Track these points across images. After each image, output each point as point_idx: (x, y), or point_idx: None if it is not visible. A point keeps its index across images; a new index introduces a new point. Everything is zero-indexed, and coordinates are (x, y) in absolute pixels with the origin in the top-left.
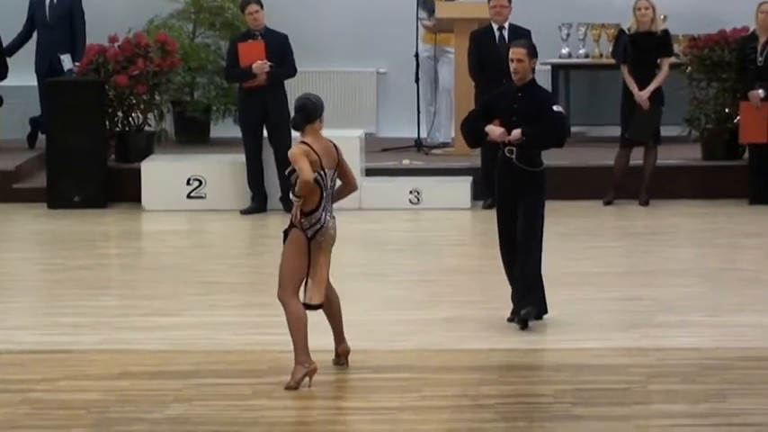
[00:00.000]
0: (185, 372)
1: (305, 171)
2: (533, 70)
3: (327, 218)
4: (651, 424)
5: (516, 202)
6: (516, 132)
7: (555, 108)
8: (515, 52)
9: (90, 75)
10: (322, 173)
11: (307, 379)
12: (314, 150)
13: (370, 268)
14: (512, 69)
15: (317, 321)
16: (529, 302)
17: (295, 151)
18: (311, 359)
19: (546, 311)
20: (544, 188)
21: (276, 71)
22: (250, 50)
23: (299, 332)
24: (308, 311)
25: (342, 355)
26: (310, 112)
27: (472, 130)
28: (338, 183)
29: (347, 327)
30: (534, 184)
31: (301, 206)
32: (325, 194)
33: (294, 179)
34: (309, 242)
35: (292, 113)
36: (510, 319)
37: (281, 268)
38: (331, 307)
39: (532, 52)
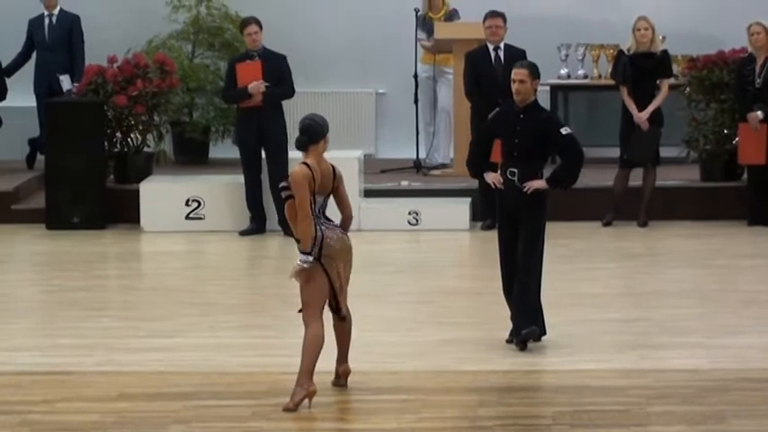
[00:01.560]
0: (184, 393)
1: (304, 219)
2: (535, 91)
3: (325, 231)
4: None
5: (517, 223)
6: (539, 183)
7: (563, 131)
8: (518, 73)
9: (89, 95)
10: (312, 197)
11: (306, 401)
12: (313, 173)
13: (369, 289)
14: (513, 90)
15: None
16: (529, 323)
17: (297, 175)
18: (312, 382)
19: (545, 333)
20: (545, 209)
21: (273, 92)
22: (247, 71)
23: (311, 355)
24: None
25: (342, 376)
26: (314, 133)
27: (476, 166)
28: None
29: None
30: (535, 206)
31: (294, 234)
32: (313, 217)
33: (285, 196)
34: (320, 260)
35: (291, 134)
36: (509, 341)
37: (301, 292)
38: (343, 326)
39: (535, 73)
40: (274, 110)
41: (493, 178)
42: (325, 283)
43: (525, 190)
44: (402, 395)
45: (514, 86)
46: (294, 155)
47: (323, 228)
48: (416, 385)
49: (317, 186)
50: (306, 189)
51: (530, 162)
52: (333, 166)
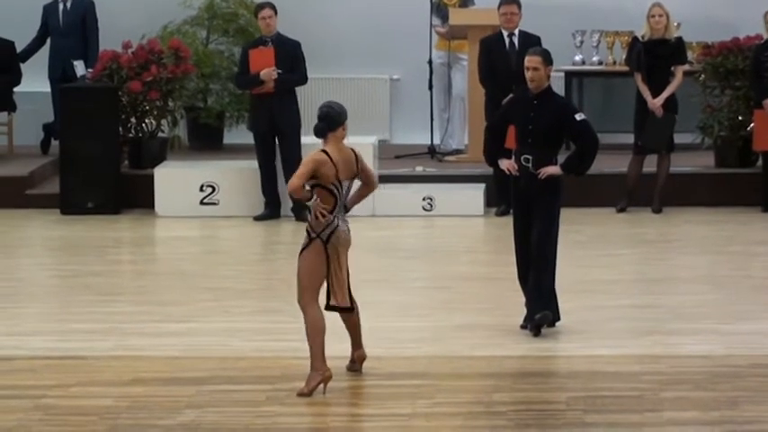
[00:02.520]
0: (198, 378)
1: (297, 175)
2: (549, 77)
3: (340, 223)
4: (663, 431)
5: (531, 210)
6: (554, 169)
7: (577, 117)
8: (531, 60)
9: (103, 81)
10: (337, 183)
11: (321, 386)
12: (332, 160)
13: (383, 275)
14: (528, 77)
15: (333, 327)
16: (543, 308)
17: (307, 157)
18: (327, 366)
19: (559, 319)
20: (559, 195)
21: (285, 78)
22: (260, 57)
23: (316, 339)
24: (327, 315)
25: (357, 362)
26: (332, 120)
27: (491, 154)
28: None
29: None
30: (550, 192)
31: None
32: (339, 203)
33: (311, 185)
34: (326, 246)
35: (305, 121)
36: (523, 326)
37: (298, 275)
38: (350, 317)
39: (548, 60)
40: (287, 96)
41: (508, 165)
42: (323, 268)
43: (540, 176)
44: (416, 380)
45: (528, 74)
46: (307, 141)
47: (338, 219)
48: (431, 370)
49: (339, 173)
50: (310, 166)
51: (544, 149)
52: (353, 150)
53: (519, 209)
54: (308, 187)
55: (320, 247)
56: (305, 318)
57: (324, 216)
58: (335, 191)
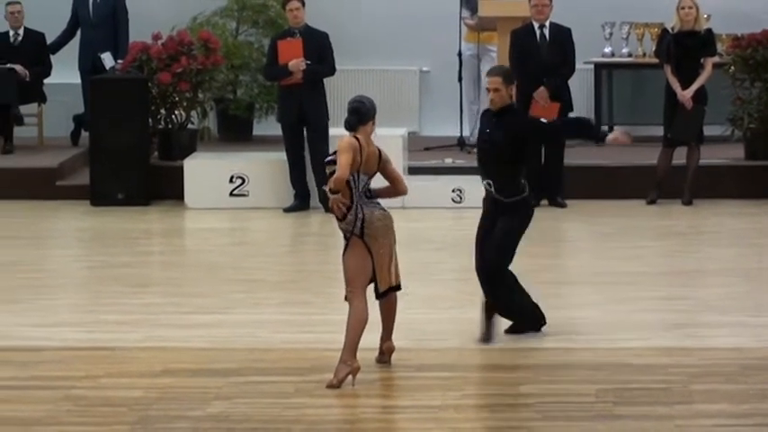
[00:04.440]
0: (227, 369)
1: (343, 167)
2: (511, 96)
3: (366, 211)
4: (693, 424)
5: (495, 226)
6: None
7: (542, 121)
8: (492, 81)
9: (133, 72)
10: (356, 175)
11: (350, 377)
12: (361, 149)
13: (413, 267)
14: (489, 99)
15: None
16: (520, 322)
17: (344, 143)
18: (355, 359)
19: (538, 327)
20: (522, 218)
21: (313, 69)
22: (288, 48)
23: (355, 332)
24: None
25: (386, 353)
26: (363, 114)
27: None
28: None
29: None
30: (512, 214)
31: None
32: (355, 195)
33: (330, 171)
34: (363, 239)
35: (333, 112)
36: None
37: (344, 274)
38: (388, 302)
39: (508, 79)
40: (315, 88)
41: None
42: (368, 261)
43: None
44: (445, 372)
45: (489, 95)
46: (335, 132)
47: (363, 208)
48: (460, 362)
49: (362, 165)
50: (350, 154)
51: (504, 170)
52: (379, 149)
53: (483, 224)
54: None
55: (359, 242)
56: (350, 309)
57: (341, 210)
58: (351, 182)
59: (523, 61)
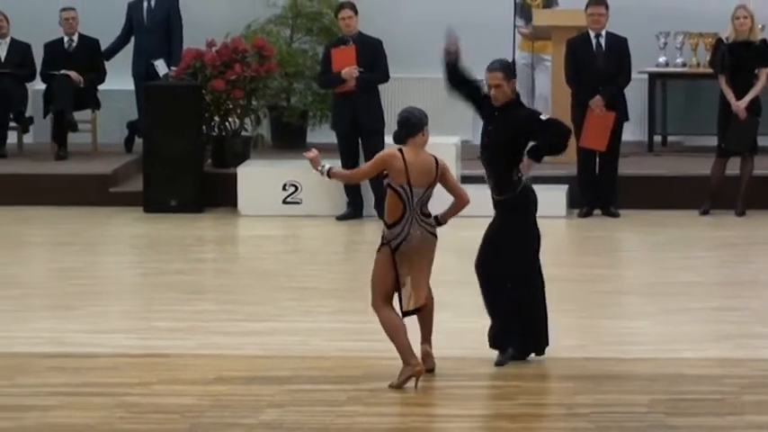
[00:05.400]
0: (280, 377)
1: (355, 173)
2: (513, 90)
3: (412, 230)
4: None
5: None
6: (528, 164)
7: (543, 117)
8: (493, 77)
9: (187, 79)
10: (407, 187)
11: (413, 381)
12: (404, 161)
13: (464, 276)
14: (491, 95)
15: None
16: (507, 343)
17: (379, 155)
18: (417, 360)
19: (546, 344)
20: (520, 213)
21: (366, 77)
22: (341, 56)
23: (397, 338)
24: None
25: (425, 358)
26: (412, 126)
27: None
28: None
29: (440, 334)
30: (512, 212)
31: (385, 218)
32: (408, 209)
33: (386, 184)
34: (394, 253)
35: (387, 120)
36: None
37: (371, 279)
38: (421, 314)
39: (510, 74)
40: (369, 95)
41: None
42: (391, 276)
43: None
44: (498, 381)
45: (491, 92)
46: (390, 140)
47: (412, 224)
48: (512, 372)
49: (411, 178)
50: (374, 167)
51: (501, 167)
52: (435, 158)
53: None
54: (386, 182)
55: (388, 253)
56: (379, 320)
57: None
58: (403, 194)
59: (579, 70)
